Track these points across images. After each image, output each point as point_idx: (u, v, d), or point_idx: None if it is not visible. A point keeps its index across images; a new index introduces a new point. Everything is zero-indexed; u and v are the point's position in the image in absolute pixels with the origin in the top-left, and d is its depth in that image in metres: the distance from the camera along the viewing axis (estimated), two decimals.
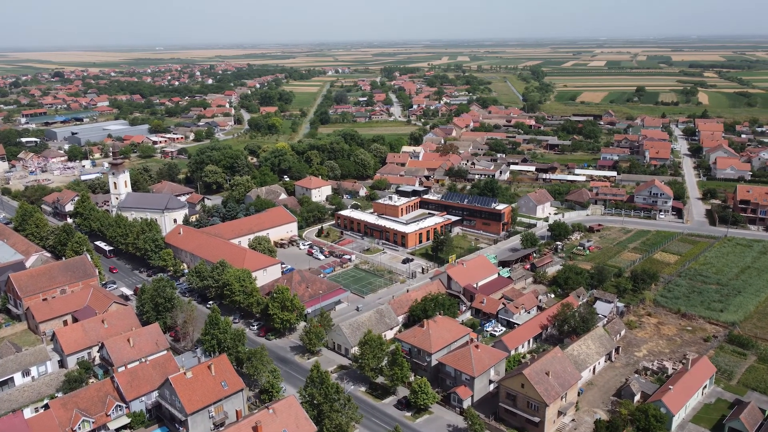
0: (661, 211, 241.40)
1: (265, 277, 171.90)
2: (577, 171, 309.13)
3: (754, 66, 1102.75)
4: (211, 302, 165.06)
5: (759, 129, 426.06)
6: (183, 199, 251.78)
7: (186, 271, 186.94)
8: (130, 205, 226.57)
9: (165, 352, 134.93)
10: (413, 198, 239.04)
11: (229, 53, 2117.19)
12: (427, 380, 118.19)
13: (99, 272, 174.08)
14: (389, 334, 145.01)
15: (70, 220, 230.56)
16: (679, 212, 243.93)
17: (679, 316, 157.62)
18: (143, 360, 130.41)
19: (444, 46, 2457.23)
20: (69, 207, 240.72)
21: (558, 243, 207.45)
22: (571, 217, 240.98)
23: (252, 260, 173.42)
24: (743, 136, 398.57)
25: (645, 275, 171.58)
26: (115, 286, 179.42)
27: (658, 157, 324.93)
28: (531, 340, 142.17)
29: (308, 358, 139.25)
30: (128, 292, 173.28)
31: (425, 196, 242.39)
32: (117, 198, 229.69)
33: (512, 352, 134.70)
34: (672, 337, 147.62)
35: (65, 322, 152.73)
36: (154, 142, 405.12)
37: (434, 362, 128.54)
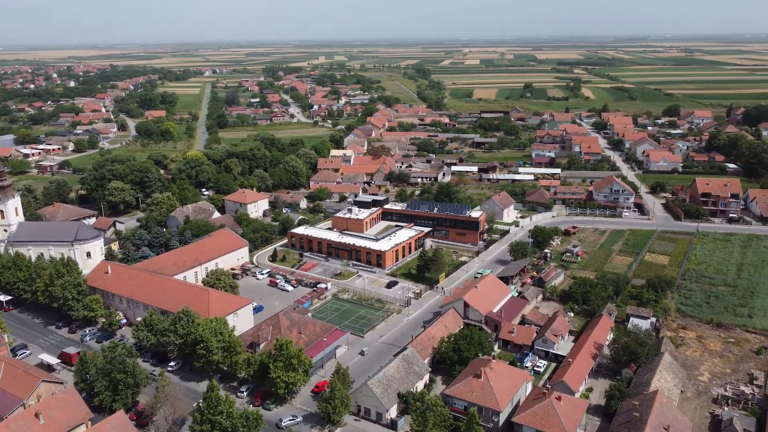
0: (624, 208, 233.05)
1: (237, 322, 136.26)
2: (521, 170, 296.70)
3: (613, 63, 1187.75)
4: (172, 364, 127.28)
5: (658, 121, 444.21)
6: (88, 223, 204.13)
7: (123, 322, 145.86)
8: (25, 239, 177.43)
9: None
10: (375, 209, 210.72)
11: (83, 54, 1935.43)
12: None
13: (5, 335, 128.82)
14: (419, 385, 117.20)
15: None
16: (640, 208, 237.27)
17: (713, 326, 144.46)
18: None
19: (316, 46, 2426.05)
20: None
21: (546, 251, 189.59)
22: (538, 219, 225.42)
23: (218, 303, 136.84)
24: (649, 128, 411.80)
25: (662, 282, 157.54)
26: (28, 352, 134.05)
27: (590, 152, 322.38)
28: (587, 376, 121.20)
29: None
30: (52, 360, 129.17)
31: (387, 206, 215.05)
32: (6, 230, 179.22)
33: (576, 395, 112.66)
34: (722, 352, 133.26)
35: None
36: (26, 155, 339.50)
37: (501, 421, 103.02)
